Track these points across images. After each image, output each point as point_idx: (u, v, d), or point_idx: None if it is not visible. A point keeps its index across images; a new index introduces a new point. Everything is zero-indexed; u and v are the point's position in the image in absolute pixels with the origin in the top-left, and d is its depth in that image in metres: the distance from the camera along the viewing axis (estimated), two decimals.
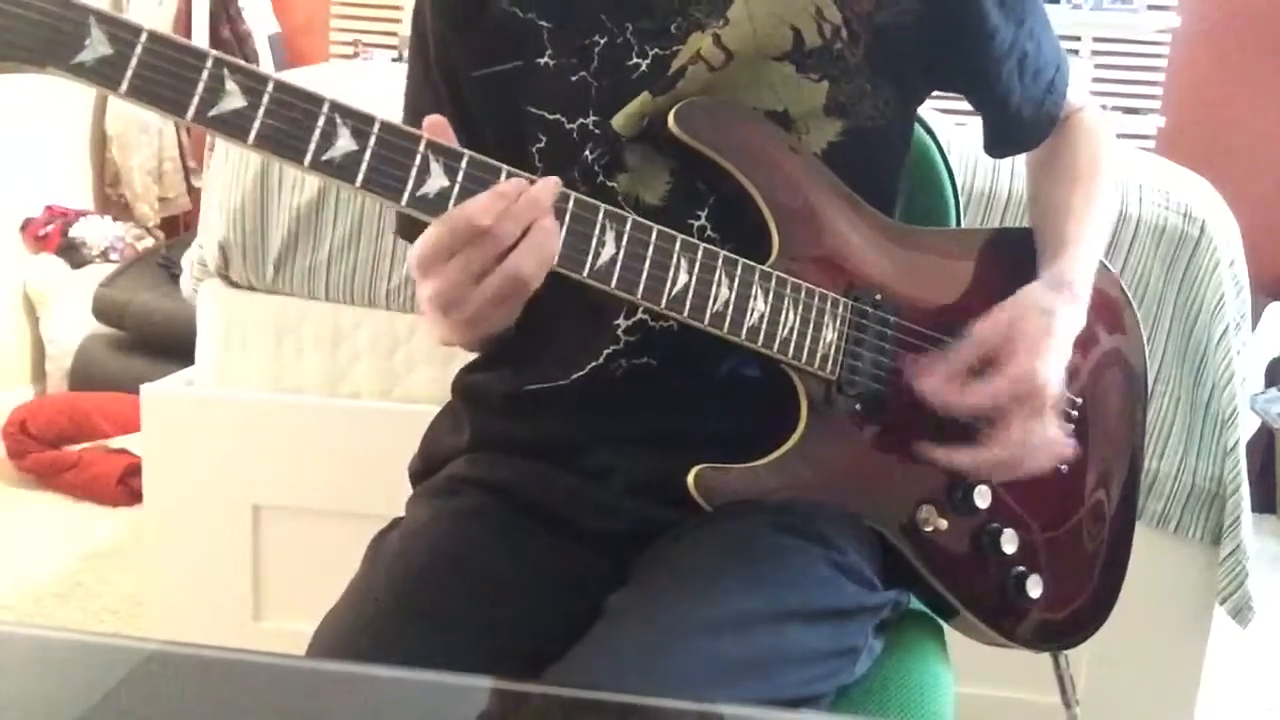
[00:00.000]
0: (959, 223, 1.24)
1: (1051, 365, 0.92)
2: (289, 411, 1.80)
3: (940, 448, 0.94)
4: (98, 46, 0.71)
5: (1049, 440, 0.94)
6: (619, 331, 0.96)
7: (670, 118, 0.91)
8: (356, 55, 3.93)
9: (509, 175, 0.80)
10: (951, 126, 1.66)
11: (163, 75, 0.72)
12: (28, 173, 3.49)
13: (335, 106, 0.76)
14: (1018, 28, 1.01)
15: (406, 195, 0.78)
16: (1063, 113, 1.09)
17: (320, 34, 4.05)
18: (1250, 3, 3.67)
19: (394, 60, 3.85)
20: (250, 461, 1.82)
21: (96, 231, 3.55)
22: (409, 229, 1.04)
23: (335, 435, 1.79)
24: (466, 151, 0.79)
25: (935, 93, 1.06)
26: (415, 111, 1.01)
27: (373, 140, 0.76)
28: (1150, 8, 3.70)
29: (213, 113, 0.73)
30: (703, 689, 0.76)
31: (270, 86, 0.74)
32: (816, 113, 0.96)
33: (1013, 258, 1.03)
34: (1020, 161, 1.18)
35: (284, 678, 0.67)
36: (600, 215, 0.84)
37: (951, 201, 1.23)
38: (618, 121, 0.93)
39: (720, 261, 0.88)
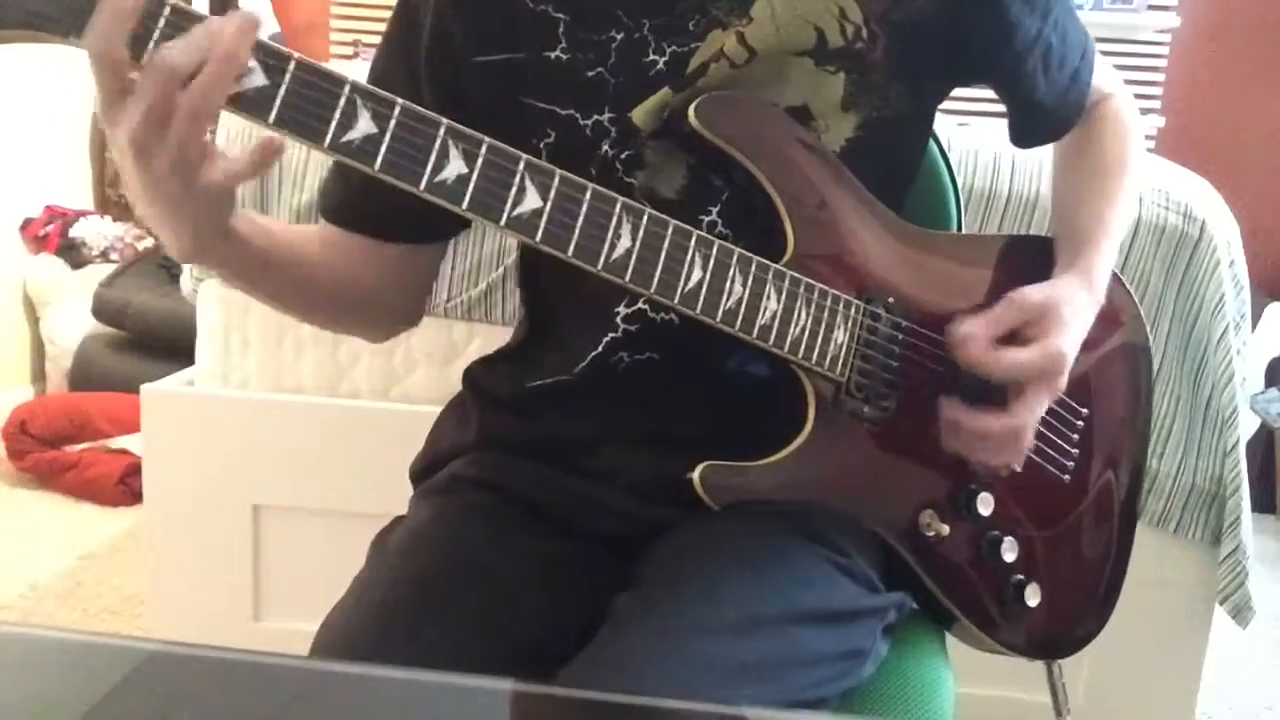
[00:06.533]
0: (960, 222, 1.24)
1: (1070, 354, 0.93)
2: (289, 411, 1.80)
3: (965, 409, 0.93)
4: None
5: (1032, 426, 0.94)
6: (618, 319, 0.95)
7: (690, 112, 0.90)
8: (356, 55, 3.92)
9: (527, 164, 0.80)
10: (953, 127, 1.66)
11: None
12: (28, 173, 3.49)
13: (356, 88, 0.75)
14: (1042, 20, 1.00)
15: (425, 180, 0.77)
16: (1089, 101, 1.08)
17: (320, 34, 4.05)
18: (1250, 3, 3.67)
19: None
20: (250, 461, 1.82)
21: (96, 231, 3.55)
22: (331, 206, 1.01)
23: (335, 435, 1.79)
24: (486, 139, 0.79)
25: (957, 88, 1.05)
26: None
27: (393, 124, 0.76)
28: (1150, 8, 3.70)
29: (233, 90, 0.72)
30: (711, 691, 0.76)
31: (292, 65, 0.74)
32: (835, 107, 0.95)
33: (1026, 266, 1.02)
34: (1019, 161, 1.18)
35: (284, 678, 0.67)
36: (617, 208, 0.83)
37: (953, 201, 1.23)
38: (637, 116, 0.92)
39: (735, 259, 0.87)
